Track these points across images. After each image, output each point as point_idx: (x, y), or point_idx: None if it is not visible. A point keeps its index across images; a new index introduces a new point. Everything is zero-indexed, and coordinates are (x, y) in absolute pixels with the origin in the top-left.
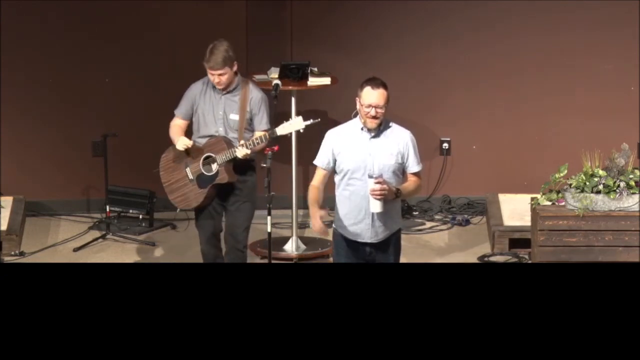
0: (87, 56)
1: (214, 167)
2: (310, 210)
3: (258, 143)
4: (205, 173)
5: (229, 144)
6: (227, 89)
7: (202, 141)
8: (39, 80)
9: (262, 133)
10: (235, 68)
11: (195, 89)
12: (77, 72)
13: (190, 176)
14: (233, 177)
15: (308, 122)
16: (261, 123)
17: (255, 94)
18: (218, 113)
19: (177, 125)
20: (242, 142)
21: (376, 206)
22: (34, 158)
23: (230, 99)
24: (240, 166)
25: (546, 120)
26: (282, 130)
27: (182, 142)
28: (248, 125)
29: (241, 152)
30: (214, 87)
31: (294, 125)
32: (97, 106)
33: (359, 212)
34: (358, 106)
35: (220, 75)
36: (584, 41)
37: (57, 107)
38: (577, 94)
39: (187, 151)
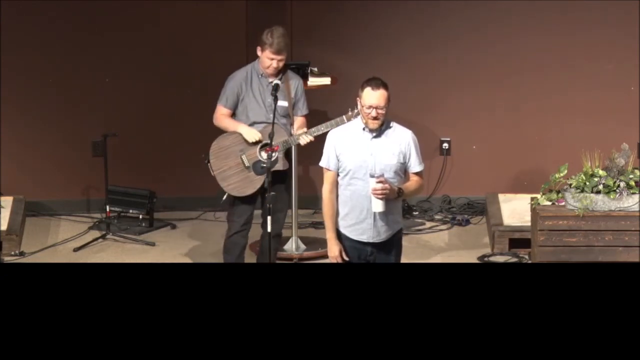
0: (87, 56)
1: (273, 154)
2: (327, 233)
3: (323, 131)
4: (262, 160)
5: (288, 132)
6: (276, 76)
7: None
8: (39, 80)
9: (303, 120)
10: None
11: (240, 77)
12: (77, 72)
13: (247, 163)
14: (287, 164)
15: None
16: (302, 108)
17: (296, 81)
18: (267, 100)
19: (224, 115)
20: (304, 129)
21: (378, 205)
22: (34, 158)
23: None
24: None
25: (546, 120)
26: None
27: (253, 134)
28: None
29: (305, 139)
30: (259, 75)
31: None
32: (97, 106)
33: (360, 212)
34: (359, 107)
35: (279, 60)
36: (584, 41)
37: (57, 107)
38: (577, 94)
39: (241, 138)
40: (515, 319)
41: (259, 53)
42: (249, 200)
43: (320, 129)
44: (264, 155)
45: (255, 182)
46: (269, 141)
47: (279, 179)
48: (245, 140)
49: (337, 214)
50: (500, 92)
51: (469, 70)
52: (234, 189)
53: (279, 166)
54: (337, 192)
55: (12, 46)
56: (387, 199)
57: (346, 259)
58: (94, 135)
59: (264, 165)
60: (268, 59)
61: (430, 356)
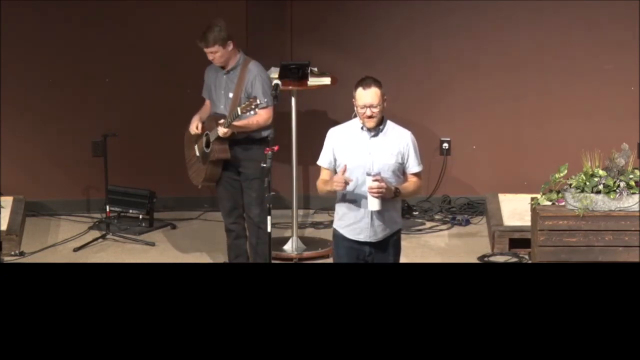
0: (87, 56)
1: (210, 145)
2: (327, 186)
3: (232, 120)
4: (205, 150)
5: (218, 122)
6: (227, 68)
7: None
8: (39, 80)
9: (264, 112)
10: (230, 47)
11: (209, 69)
12: (77, 72)
13: (197, 153)
14: (225, 154)
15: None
16: (263, 101)
17: (254, 73)
18: (220, 91)
19: (204, 105)
20: (221, 120)
21: (374, 204)
22: (34, 158)
23: (230, 78)
24: (240, 142)
25: (546, 120)
26: (240, 111)
27: (191, 126)
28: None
29: (220, 130)
30: (219, 66)
31: (250, 105)
32: (97, 106)
33: (358, 212)
34: (355, 107)
35: (211, 52)
36: (584, 41)
37: (57, 107)
38: (577, 94)
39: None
40: (515, 319)
41: None
42: (221, 190)
43: (228, 121)
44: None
45: (201, 172)
46: (207, 132)
47: (237, 168)
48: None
49: (335, 212)
50: (500, 92)
51: (468, 70)
52: (193, 178)
53: (213, 156)
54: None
55: (12, 46)
56: (384, 198)
57: (349, 179)
58: (94, 135)
59: (209, 155)
60: (205, 52)
61: (430, 356)
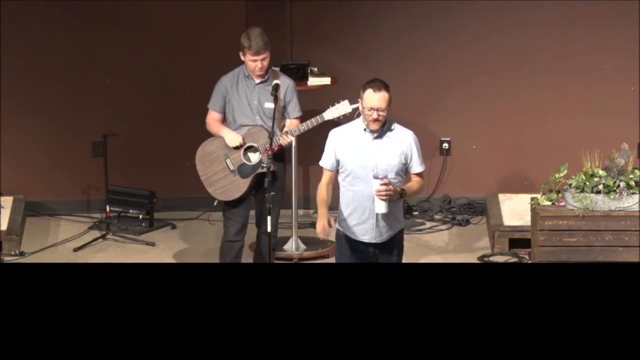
0: (87, 56)
1: (257, 156)
2: (319, 210)
3: (304, 130)
4: (247, 163)
5: (271, 134)
6: (263, 78)
7: (240, 132)
8: (39, 80)
9: (296, 122)
10: None
11: (226, 81)
12: (77, 72)
13: (232, 167)
14: (274, 165)
15: (355, 106)
16: (294, 110)
17: (286, 82)
18: (253, 103)
19: (214, 120)
20: (285, 129)
21: (381, 207)
22: (34, 158)
23: (264, 88)
24: (274, 155)
25: (546, 120)
26: (329, 114)
27: (233, 139)
28: (282, 112)
29: (285, 140)
30: (245, 77)
31: (341, 109)
32: (97, 106)
33: (362, 213)
34: (360, 107)
35: (263, 60)
36: (584, 41)
37: (57, 107)
38: (577, 93)
39: (225, 142)
40: (515, 319)
41: (242, 58)
42: (241, 204)
43: (300, 129)
44: (252, 156)
45: (241, 186)
46: (252, 144)
47: (260, 181)
48: (226, 144)
49: (339, 213)
50: (500, 92)
51: (469, 70)
52: (221, 194)
53: (274, 167)
54: (331, 187)
55: (13, 46)
56: (390, 200)
57: (333, 224)
58: (94, 135)
59: (257, 167)
60: (251, 61)
61: (430, 356)
